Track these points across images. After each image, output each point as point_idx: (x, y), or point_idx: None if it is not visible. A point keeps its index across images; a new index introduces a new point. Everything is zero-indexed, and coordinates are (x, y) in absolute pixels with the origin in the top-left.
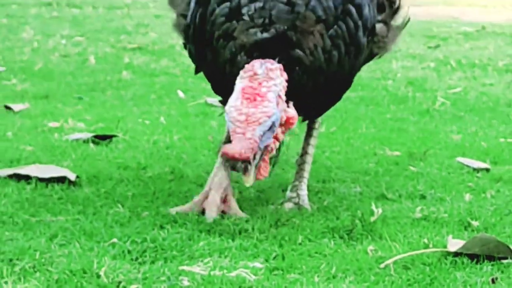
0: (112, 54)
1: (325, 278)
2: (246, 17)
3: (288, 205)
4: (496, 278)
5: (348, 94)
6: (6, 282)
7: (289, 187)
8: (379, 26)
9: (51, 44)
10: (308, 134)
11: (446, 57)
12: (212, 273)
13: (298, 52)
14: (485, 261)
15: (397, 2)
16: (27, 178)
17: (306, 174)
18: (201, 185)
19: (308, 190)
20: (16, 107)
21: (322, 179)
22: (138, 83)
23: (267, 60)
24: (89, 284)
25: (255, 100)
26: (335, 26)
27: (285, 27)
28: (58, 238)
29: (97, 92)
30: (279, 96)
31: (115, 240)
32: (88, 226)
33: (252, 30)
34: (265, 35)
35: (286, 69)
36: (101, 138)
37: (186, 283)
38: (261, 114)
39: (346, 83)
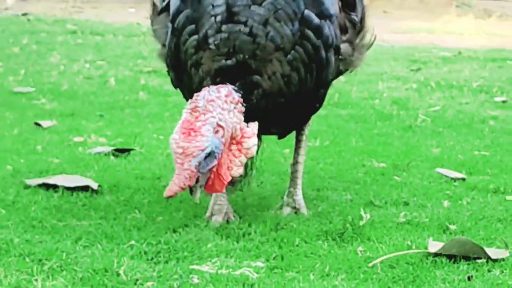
0: (130, 76)
1: (319, 276)
2: (212, 46)
3: (286, 210)
4: (472, 276)
5: (339, 112)
6: (36, 280)
7: (286, 193)
8: (344, 46)
9: (76, 68)
10: (297, 146)
11: (427, 79)
12: (219, 271)
13: (257, 77)
14: (462, 261)
15: (359, 24)
16: (54, 187)
17: (299, 181)
18: None
19: (304, 197)
20: (45, 123)
21: (316, 188)
22: (153, 102)
23: (219, 86)
24: (110, 281)
25: (189, 135)
26: (293, 51)
27: (247, 56)
28: (82, 241)
29: (117, 110)
30: (219, 125)
31: (133, 242)
32: (109, 230)
33: (217, 58)
34: (228, 62)
35: (246, 91)
36: (121, 152)
37: (196, 280)
38: (194, 148)
39: (313, 99)
